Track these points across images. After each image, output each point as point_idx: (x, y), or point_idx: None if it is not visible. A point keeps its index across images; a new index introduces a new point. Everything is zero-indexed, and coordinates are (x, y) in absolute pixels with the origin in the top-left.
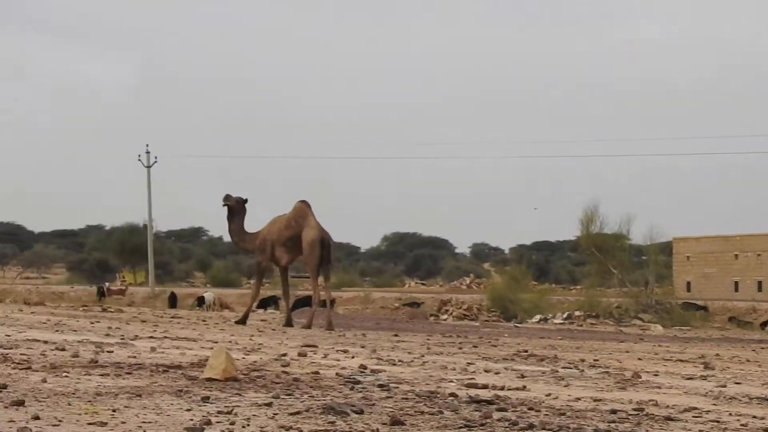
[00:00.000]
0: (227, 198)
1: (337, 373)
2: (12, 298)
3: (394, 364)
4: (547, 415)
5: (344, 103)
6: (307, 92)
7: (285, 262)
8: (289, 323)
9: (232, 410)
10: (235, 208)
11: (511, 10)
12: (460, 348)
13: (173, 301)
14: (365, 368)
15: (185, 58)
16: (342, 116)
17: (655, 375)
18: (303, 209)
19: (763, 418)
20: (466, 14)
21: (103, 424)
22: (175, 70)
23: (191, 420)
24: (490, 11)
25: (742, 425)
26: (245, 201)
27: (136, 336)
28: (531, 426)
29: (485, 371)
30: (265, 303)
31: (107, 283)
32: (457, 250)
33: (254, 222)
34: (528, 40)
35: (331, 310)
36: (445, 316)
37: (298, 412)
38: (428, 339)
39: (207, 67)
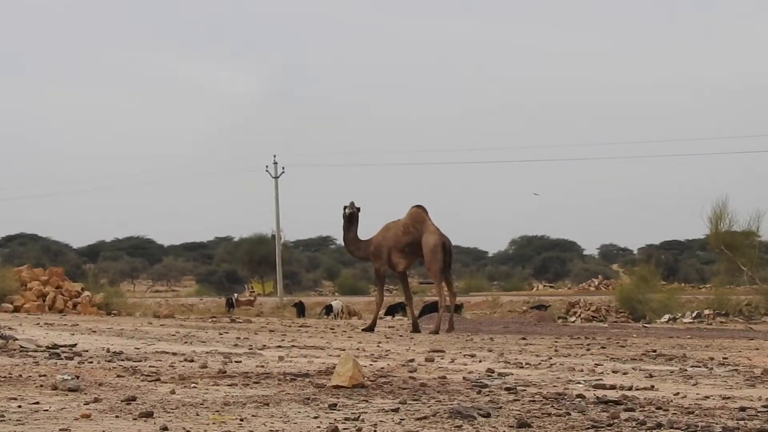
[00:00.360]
0: (352, 205)
1: (464, 378)
2: (142, 311)
3: (522, 367)
4: (675, 414)
5: None
6: None
7: (402, 268)
8: (416, 329)
9: (359, 417)
10: (355, 216)
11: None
12: (588, 349)
13: (301, 311)
14: (492, 372)
15: (307, 69)
16: None
17: None
18: (420, 214)
19: None
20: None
21: None
22: (298, 79)
23: (318, 427)
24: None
25: None
26: (359, 210)
27: (264, 346)
28: (659, 425)
29: (613, 372)
30: (393, 310)
31: (236, 294)
32: (585, 252)
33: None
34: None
35: (454, 313)
36: (573, 318)
37: (425, 417)
38: (556, 341)
39: None
